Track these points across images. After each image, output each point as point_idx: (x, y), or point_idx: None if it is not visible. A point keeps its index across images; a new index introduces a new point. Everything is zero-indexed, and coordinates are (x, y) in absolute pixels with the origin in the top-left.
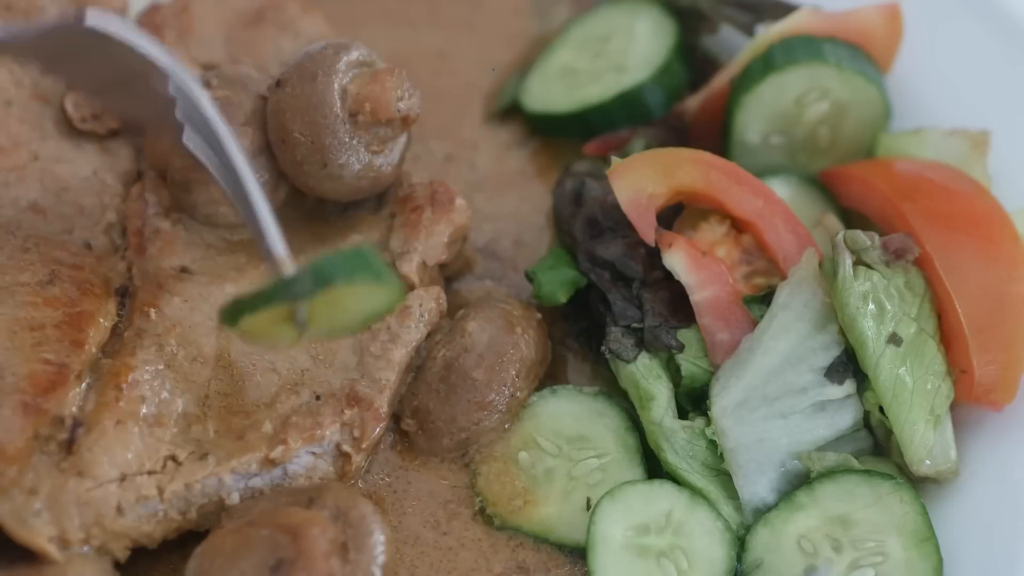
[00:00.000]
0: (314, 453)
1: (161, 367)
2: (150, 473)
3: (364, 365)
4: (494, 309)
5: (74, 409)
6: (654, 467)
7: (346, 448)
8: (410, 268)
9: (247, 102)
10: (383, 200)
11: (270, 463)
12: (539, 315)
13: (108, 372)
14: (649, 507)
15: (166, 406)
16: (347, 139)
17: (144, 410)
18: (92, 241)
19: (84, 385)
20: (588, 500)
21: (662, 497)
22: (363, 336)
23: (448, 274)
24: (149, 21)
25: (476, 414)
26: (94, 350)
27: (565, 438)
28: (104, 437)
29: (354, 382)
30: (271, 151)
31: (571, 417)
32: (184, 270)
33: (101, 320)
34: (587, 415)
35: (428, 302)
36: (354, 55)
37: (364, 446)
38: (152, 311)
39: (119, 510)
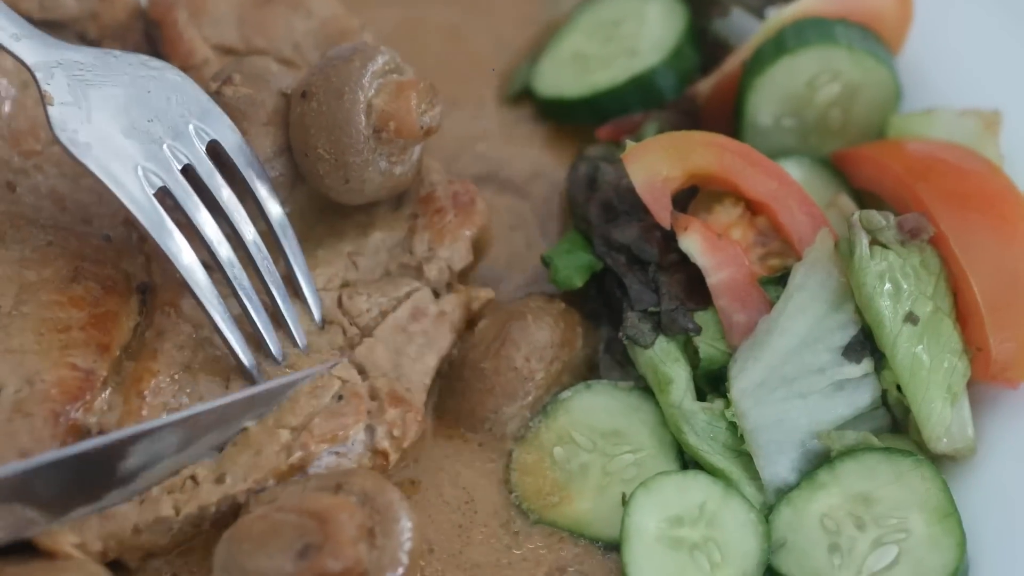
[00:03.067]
0: (337, 453)
1: (181, 371)
2: (169, 492)
3: (401, 367)
4: (508, 306)
5: (98, 417)
6: (689, 463)
7: (385, 446)
8: (437, 273)
9: (269, 100)
10: (402, 197)
11: (290, 470)
12: (563, 304)
13: (131, 377)
14: (683, 498)
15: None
16: (369, 156)
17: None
18: (111, 233)
19: (108, 391)
20: (623, 495)
21: (696, 488)
22: (399, 339)
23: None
24: (161, 0)
25: (491, 401)
26: (118, 352)
27: (600, 433)
28: None
29: (392, 382)
30: (290, 152)
31: (606, 412)
32: (205, 265)
33: (124, 320)
34: (622, 410)
35: (459, 309)
36: (379, 63)
37: (405, 445)
38: (172, 311)
39: (136, 529)
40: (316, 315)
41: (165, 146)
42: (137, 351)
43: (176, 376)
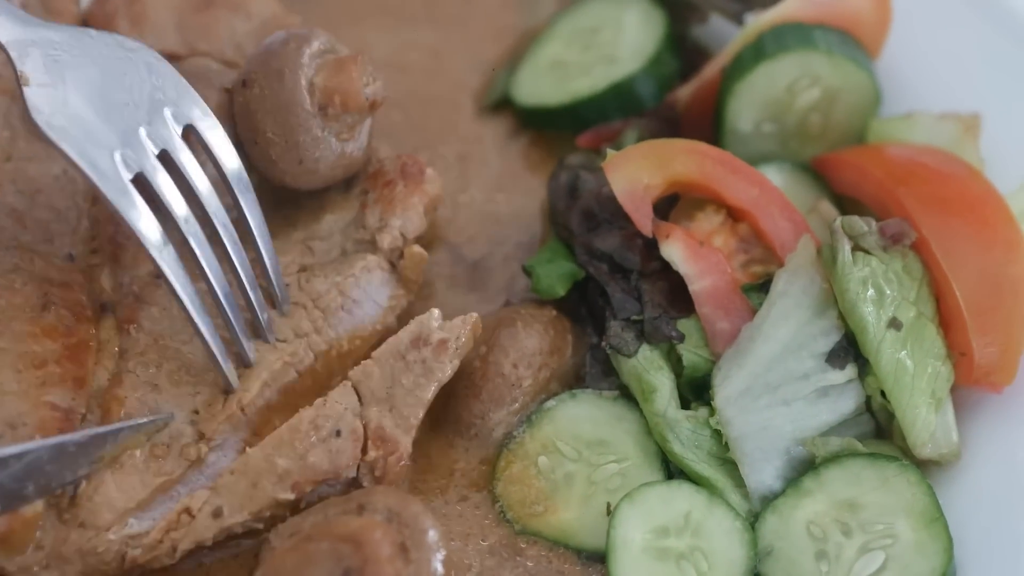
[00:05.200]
0: (328, 485)
1: (148, 391)
2: (168, 531)
3: (393, 397)
4: (499, 312)
5: None
6: (674, 473)
7: (365, 484)
8: (391, 241)
9: (212, 97)
10: (353, 177)
11: (283, 505)
12: (553, 312)
13: (101, 409)
14: (668, 508)
15: (160, 432)
16: (319, 133)
17: (139, 446)
18: (73, 251)
19: (87, 424)
20: (608, 505)
21: (680, 498)
22: (397, 366)
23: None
24: (100, 11)
25: (477, 407)
26: (93, 384)
27: (584, 443)
28: (103, 484)
29: (381, 418)
30: (240, 145)
31: (590, 422)
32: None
33: (94, 346)
34: (606, 419)
35: (464, 332)
36: (315, 45)
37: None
38: (132, 328)
39: (122, 556)
40: (283, 304)
41: (142, 130)
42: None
43: (144, 397)
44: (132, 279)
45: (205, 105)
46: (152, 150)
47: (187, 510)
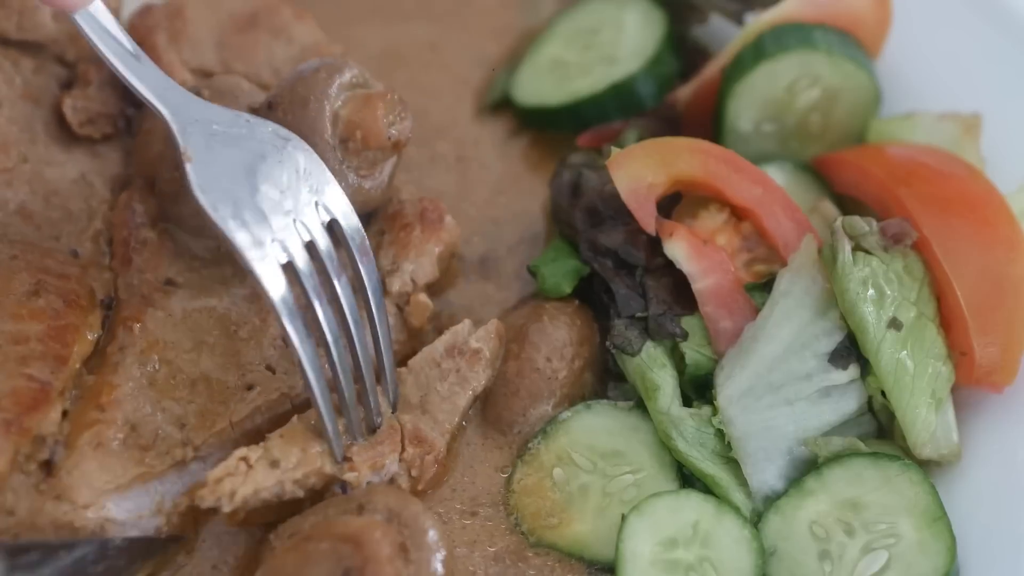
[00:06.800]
0: (370, 480)
1: (144, 384)
2: (228, 474)
3: (428, 403)
4: (523, 308)
5: (54, 428)
6: (689, 483)
7: (401, 484)
8: (400, 286)
9: None
10: (372, 216)
11: (331, 480)
12: (576, 301)
13: (90, 391)
14: (676, 519)
15: (148, 426)
16: (336, 165)
17: (124, 432)
18: (79, 248)
19: (66, 403)
20: (623, 517)
21: (688, 508)
22: (432, 373)
23: (435, 289)
24: (141, 23)
25: (518, 404)
26: (77, 365)
27: (600, 454)
28: (84, 460)
29: (418, 419)
30: None
31: (606, 432)
32: (170, 282)
33: (86, 333)
34: (621, 430)
35: (491, 342)
36: (347, 76)
37: (420, 487)
38: (136, 326)
39: (103, 530)
40: (391, 401)
41: (294, 221)
42: (99, 365)
43: (137, 391)
44: (141, 282)
45: (348, 201)
46: (302, 242)
47: (245, 459)
